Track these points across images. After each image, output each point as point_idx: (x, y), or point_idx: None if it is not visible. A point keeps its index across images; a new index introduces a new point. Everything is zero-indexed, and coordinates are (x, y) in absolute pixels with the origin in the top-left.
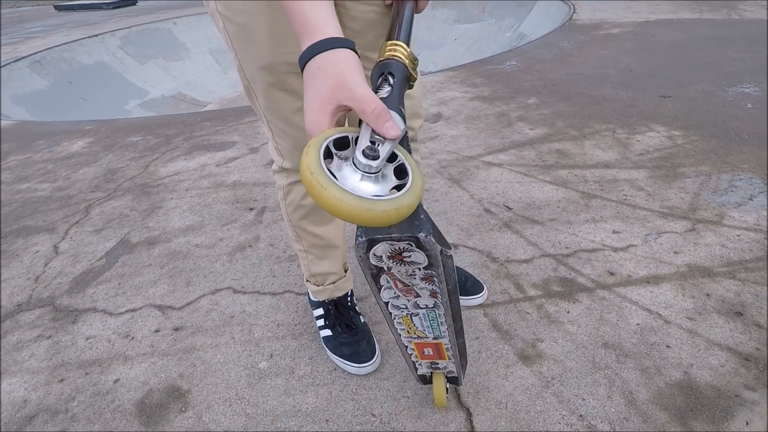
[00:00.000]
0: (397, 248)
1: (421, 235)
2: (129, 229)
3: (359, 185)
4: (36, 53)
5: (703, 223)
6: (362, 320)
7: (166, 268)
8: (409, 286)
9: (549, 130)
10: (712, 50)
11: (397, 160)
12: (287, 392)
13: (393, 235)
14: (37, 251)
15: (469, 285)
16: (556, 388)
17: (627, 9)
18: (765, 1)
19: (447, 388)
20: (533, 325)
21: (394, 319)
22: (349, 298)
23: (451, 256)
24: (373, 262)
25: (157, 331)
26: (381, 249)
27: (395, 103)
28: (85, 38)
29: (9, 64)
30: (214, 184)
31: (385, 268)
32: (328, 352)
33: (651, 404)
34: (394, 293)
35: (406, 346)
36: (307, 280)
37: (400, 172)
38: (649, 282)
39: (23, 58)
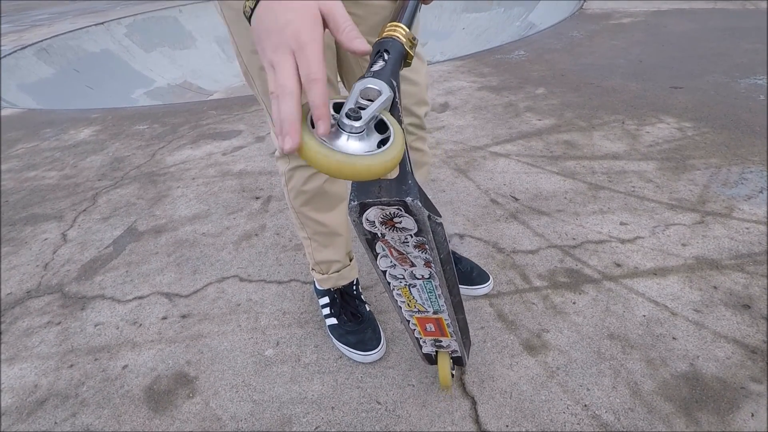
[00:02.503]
0: (387, 213)
1: (408, 200)
2: (136, 218)
3: (345, 144)
4: (42, 41)
5: (712, 215)
6: (368, 309)
7: (173, 256)
8: (403, 254)
9: (557, 120)
10: (725, 41)
11: (383, 124)
12: (293, 379)
13: (382, 199)
14: (46, 239)
15: (475, 275)
16: (561, 378)
17: None
18: None
19: (453, 371)
20: (539, 316)
21: (393, 290)
22: (354, 287)
23: (441, 223)
24: (367, 227)
25: (164, 318)
26: (373, 214)
27: (386, 75)
28: (90, 26)
29: (15, 51)
30: (220, 173)
31: (379, 235)
32: (334, 340)
33: (656, 395)
34: (391, 262)
35: (408, 321)
36: (312, 269)
37: (387, 137)
38: (656, 274)
39: (29, 45)
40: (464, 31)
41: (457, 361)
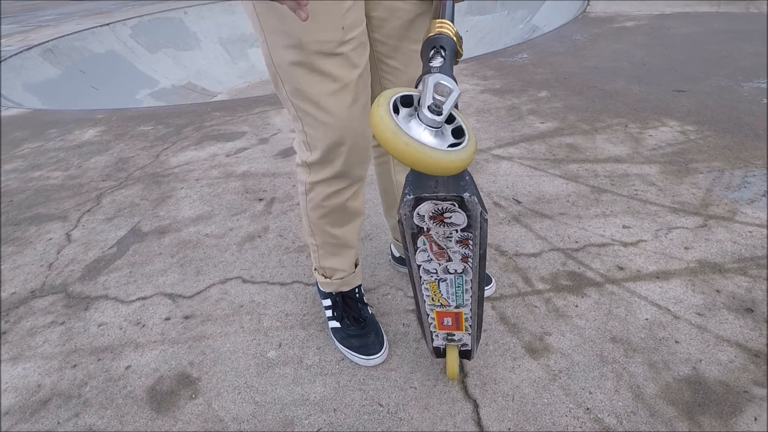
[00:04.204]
0: (440, 208)
1: (466, 195)
2: (140, 218)
3: (421, 135)
4: (48, 41)
5: (715, 219)
6: (370, 312)
7: (177, 257)
8: (443, 249)
9: (560, 123)
10: (729, 44)
11: (455, 122)
12: (295, 381)
13: (439, 194)
14: (50, 239)
15: None
16: (563, 381)
17: (642, 2)
18: None
19: (460, 364)
20: (541, 319)
21: (423, 284)
22: (357, 290)
23: (487, 219)
24: (416, 221)
25: (167, 319)
26: (425, 208)
27: (448, 70)
28: (96, 27)
29: (21, 52)
30: (223, 174)
31: (425, 229)
32: (336, 342)
33: (658, 399)
34: (428, 256)
35: (428, 314)
36: (315, 269)
37: (456, 134)
38: (658, 277)
39: (35, 46)
40: (467, 33)
41: (465, 355)
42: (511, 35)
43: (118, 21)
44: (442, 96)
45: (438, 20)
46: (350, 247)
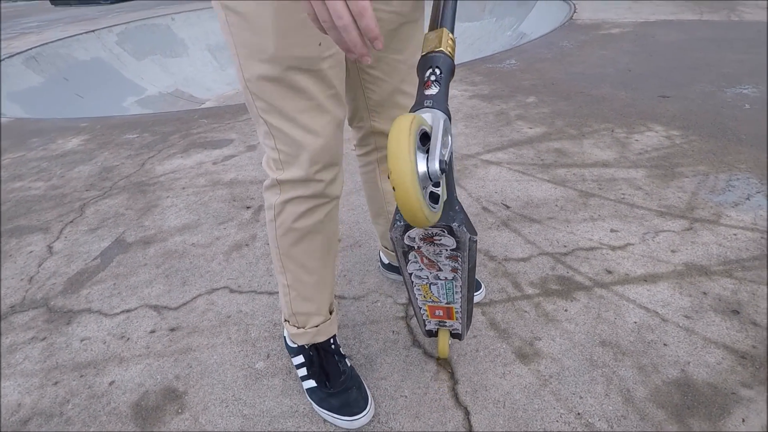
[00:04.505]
0: (430, 232)
1: (455, 225)
2: (124, 228)
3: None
4: (31, 49)
5: (701, 222)
6: (349, 364)
7: (162, 268)
8: (433, 262)
9: (548, 129)
10: (712, 51)
11: (438, 190)
12: (284, 393)
13: None
14: (31, 251)
15: None
16: (553, 386)
17: (628, 9)
18: (766, 2)
19: (449, 343)
20: (531, 324)
21: (415, 286)
22: (332, 341)
23: (476, 241)
24: (407, 242)
25: (152, 331)
26: (415, 232)
27: (442, 101)
28: (81, 34)
29: (4, 60)
30: (210, 183)
31: (416, 247)
32: (315, 405)
33: (648, 402)
34: (419, 266)
35: (420, 308)
36: (286, 320)
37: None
38: (646, 280)
39: (18, 53)
40: (456, 39)
41: (455, 336)
42: (499, 42)
43: (103, 28)
44: (444, 147)
45: (440, 32)
46: (326, 285)
